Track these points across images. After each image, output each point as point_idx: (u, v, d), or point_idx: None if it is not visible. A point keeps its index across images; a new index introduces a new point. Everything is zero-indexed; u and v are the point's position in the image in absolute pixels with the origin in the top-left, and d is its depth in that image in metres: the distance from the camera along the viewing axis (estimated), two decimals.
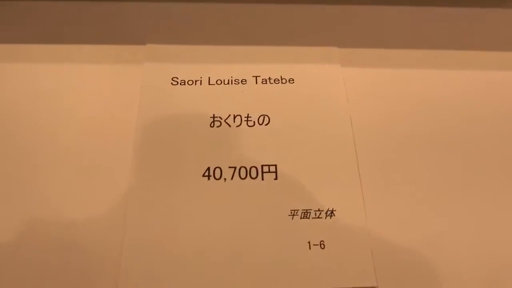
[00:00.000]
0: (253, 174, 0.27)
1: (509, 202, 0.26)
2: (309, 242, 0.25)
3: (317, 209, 0.25)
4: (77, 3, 0.33)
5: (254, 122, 0.28)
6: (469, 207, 0.26)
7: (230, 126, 0.28)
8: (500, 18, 0.34)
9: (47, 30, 0.32)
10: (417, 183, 0.27)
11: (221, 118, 0.28)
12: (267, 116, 0.29)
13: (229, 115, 0.29)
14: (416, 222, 0.26)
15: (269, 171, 0.27)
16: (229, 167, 0.27)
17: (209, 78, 0.30)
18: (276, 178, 0.26)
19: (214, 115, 0.29)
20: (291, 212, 0.25)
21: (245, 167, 0.27)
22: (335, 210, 0.26)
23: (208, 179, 0.26)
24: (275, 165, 0.27)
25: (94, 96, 0.29)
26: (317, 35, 0.33)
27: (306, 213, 0.25)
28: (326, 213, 0.25)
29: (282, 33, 0.33)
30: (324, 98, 0.30)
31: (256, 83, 0.30)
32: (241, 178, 0.26)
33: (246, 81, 0.30)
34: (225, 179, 0.26)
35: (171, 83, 0.30)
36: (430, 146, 0.28)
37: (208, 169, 0.27)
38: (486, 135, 0.29)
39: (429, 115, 0.29)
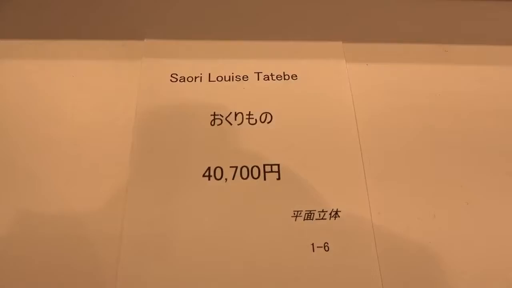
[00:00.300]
0: (255, 174, 0.26)
1: None
2: (312, 244, 0.24)
3: (321, 210, 0.25)
4: None
5: (256, 120, 0.28)
6: (479, 205, 0.25)
7: (231, 124, 0.27)
8: (508, 11, 0.33)
9: (42, 25, 0.31)
10: (424, 182, 0.26)
11: (222, 116, 0.28)
12: (269, 113, 0.28)
13: (230, 112, 0.28)
14: (424, 223, 0.25)
15: (271, 171, 0.26)
16: (230, 166, 0.26)
17: (209, 74, 0.29)
18: (278, 178, 0.26)
19: (214, 112, 0.28)
20: (294, 213, 0.25)
21: (246, 167, 0.26)
22: (339, 211, 0.25)
23: (209, 179, 0.25)
24: (278, 165, 0.26)
25: (92, 93, 0.29)
26: (322, 29, 0.32)
27: (309, 214, 0.25)
28: (331, 214, 0.25)
29: (285, 28, 0.32)
30: (328, 95, 0.29)
31: (258, 79, 0.29)
32: (242, 178, 0.26)
33: (247, 77, 0.29)
34: (226, 179, 0.25)
35: (170, 80, 0.29)
36: (438, 143, 0.27)
37: (209, 169, 0.26)
38: (494, 130, 0.28)
39: (436, 111, 0.29)
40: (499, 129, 0.28)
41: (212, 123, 0.27)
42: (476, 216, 0.25)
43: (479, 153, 0.27)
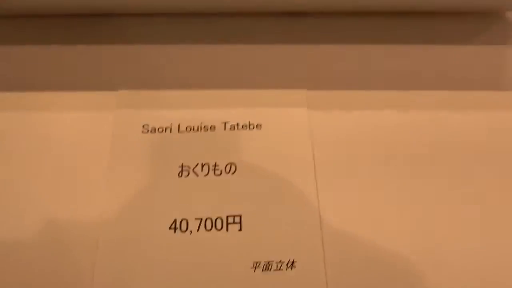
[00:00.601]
0: (218, 225, 0.27)
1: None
2: None
3: (279, 261, 0.26)
4: (44, 47, 0.34)
5: (221, 171, 0.29)
6: (441, 236, 0.27)
7: (197, 175, 0.29)
8: (467, 56, 0.34)
9: (13, 75, 0.32)
10: (382, 235, 0.27)
11: (189, 167, 0.29)
12: (234, 164, 0.29)
13: (197, 163, 0.29)
14: (378, 271, 0.26)
15: (233, 222, 0.27)
16: (196, 218, 0.28)
17: (179, 125, 0.31)
18: (240, 229, 0.27)
19: (182, 164, 0.29)
20: (254, 265, 0.26)
21: (210, 219, 0.28)
22: (295, 261, 0.26)
23: (175, 231, 0.27)
24: (240, 216, 0.28)
25: (66, 143, 0.30)
26: (287, 77, 0.33)
27: (267, 265, 0.26)
28: (287, 264, 0.26)
29: (253, 75, 0.33)
30: (289, 144, 0.30)
31: (225, 129, 0.31)
32: (206, 230, 0.27)
33: (215, 127, 0.31)
34: (191, 231, 0.27)
35: (142, 131, 0.31)
36: (399, 198, 0.28)
37: (175, 221, 0.27)
38: (451, 174, 0.29)
39: (400, 161, 0.30)
40: (455, 172, 0.29)
41: (180, 174, 0.29)
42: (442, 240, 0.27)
43: (445, 186, 0.29)
